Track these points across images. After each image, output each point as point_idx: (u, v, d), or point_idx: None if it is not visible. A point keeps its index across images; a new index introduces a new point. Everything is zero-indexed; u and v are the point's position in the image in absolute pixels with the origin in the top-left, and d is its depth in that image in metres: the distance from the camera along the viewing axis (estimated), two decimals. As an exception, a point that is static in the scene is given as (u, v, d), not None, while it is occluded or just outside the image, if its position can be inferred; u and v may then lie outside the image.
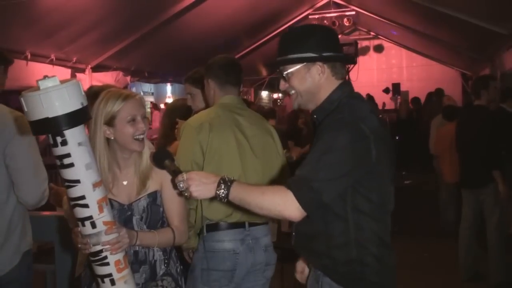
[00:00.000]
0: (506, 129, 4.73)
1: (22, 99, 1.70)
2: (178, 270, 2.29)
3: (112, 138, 2.10)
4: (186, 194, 1.86)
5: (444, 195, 6.92)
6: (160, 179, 2.18)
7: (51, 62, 7.17)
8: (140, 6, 7.14)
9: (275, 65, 1.99)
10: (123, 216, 2.11)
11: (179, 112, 3.37)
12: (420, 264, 5.54)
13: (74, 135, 1.74)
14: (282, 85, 1.99)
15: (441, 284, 5.02)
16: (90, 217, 1.82)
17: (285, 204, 1.73)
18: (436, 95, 10.28)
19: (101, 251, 1.86)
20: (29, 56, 6.70)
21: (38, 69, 7.04)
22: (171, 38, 8.60)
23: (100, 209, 1.82)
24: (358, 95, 1.97)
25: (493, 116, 4.76)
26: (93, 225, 1.83)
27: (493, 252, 4.71)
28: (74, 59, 7.37)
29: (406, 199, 8.81)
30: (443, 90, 10.34)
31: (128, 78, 8.96)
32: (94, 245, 1.85)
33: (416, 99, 13.02)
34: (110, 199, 2.01)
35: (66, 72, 7.34)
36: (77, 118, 1.73)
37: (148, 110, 12.92)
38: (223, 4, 8.52)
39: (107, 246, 1.85)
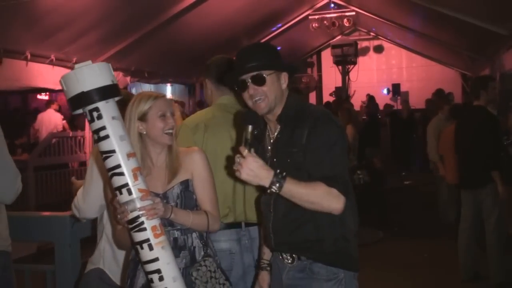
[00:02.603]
0: (494, 130, 4.71)
1: (61, 80, 1.98)
2: (216, 255, 2.38)
3: (144, 132, 2.26)
4: (235, 168, 1.97)
5: (445, 195, 6.91)
6: (190, 169, 2.32)
7: (51, 63, 7.18)
8: (140, 7, 7.15)
9: (254, 69, 2.11)
10: None
11: None
12: (420, 264, 5.55)
13: (108, 110, 1.96)
14: (253, 89, 2.12)
15: (441, 284, 5.02)
16: (126, 184, 1.98)
17: (333, 199, 2.00)
18: (436, 95, 10.24)
19: (138, 217, 2.00)
20: (29, 57, 6.70)
21: (38, 69, 7.05)
22: (171, 39, 8.61)
23: (135, 177, 1.99)
24: (304, 99, 2.35)
25: (493, 116, 4.75)
26: (129, 192, 1.99)
27: (493, 252, 4.71)
28: (74, 59, 7.37)
29: (406, 199, 8.85)
30: (443, 90, 10.32)
31: (128, 78, 8.97)
32: (131, 211, 1.99)
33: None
34: None
35: (66, 73, 7.35)
36: (109, 92, 1.96)
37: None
38: (223, 4, 8.53)
39: (143, 212, 1.99)
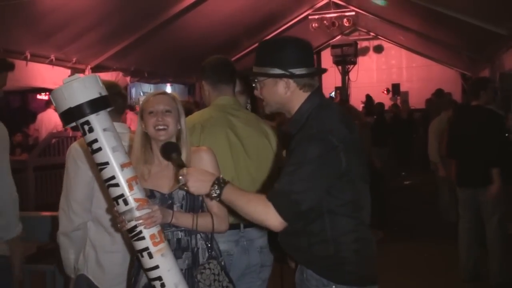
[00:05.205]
0: (500, 129, 4.72)
1: (50, 95, 2.01)
2: (220, 256, 2.38)
3: (145, 131, 2.29)
4: (185, 188, 2.00)
5: (446, 195, 6.90)
6: None
7: (51, 63, 7.18)
8: (140, 7, 7.15)
9: (251, 74, 2.08)
10: (164, 205, 2.23)
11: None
12: (420, 264, 5.55)
13: (99, 122, 1.96)
14: (256, 92, 2.11)
15: (441, 284, 5.01)
16: (122, 195, 2.00)
17: (267, 215, 1.85)
18: (437, 96, 10.25)
19: (135, 226, 2.02)
20: (28, 57, 6.71)
21: (38, 69, 7.05)
22: (171, 38, 8.61)
23: (130, 187, 2.00)
24: (327, 104, 2.06)
25: (499, 115, 4.74)
26: (126, 202, 2.01)
27: (493, 252, 4.71)
28: (74, 59, 7.38)
29: (406, 199, 8.84)
30: (443, 90, 10.33)
31: (128, 78, 8.97)
32: (128, 221, 2.02)
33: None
34: (152, 190, 2.23)
35: (65, 73, 7.35)
36: (98, 104, 1.95)
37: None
38: (223, 4, 8.54)
39: (140, 221, 2.01)
